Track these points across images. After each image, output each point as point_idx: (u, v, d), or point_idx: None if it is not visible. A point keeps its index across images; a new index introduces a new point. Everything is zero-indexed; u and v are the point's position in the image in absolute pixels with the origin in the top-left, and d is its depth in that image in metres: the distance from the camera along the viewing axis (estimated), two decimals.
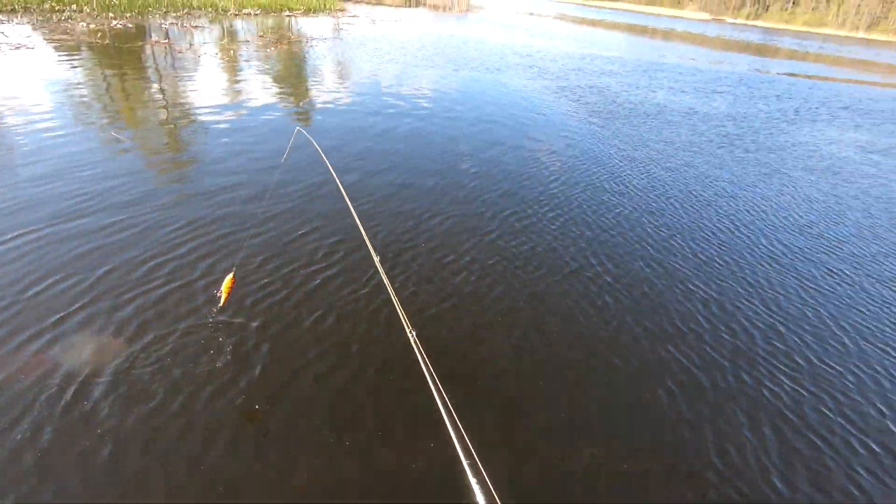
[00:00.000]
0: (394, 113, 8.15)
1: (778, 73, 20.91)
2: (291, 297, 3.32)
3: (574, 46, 22.43)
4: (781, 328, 3.72)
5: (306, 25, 18.75)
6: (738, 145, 8.81)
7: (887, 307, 4.21)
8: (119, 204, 4.19)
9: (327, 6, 24.25)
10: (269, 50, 12.57)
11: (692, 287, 4.11)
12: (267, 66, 10.66)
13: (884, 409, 3.05)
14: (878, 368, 3.42)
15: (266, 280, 3.46)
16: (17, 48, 9.24)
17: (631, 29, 43.06)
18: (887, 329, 3.89)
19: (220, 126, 6.54)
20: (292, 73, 10.50)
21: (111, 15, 14.58)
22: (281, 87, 8.97)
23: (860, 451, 2.73)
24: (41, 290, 3.07)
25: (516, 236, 4.57)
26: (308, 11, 22.64)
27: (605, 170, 6.68)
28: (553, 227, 4.86)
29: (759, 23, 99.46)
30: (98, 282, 3.21)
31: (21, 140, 5.27)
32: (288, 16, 21.01)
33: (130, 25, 13.45)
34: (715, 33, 51.12)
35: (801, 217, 5.98)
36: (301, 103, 8.18)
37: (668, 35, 40.64)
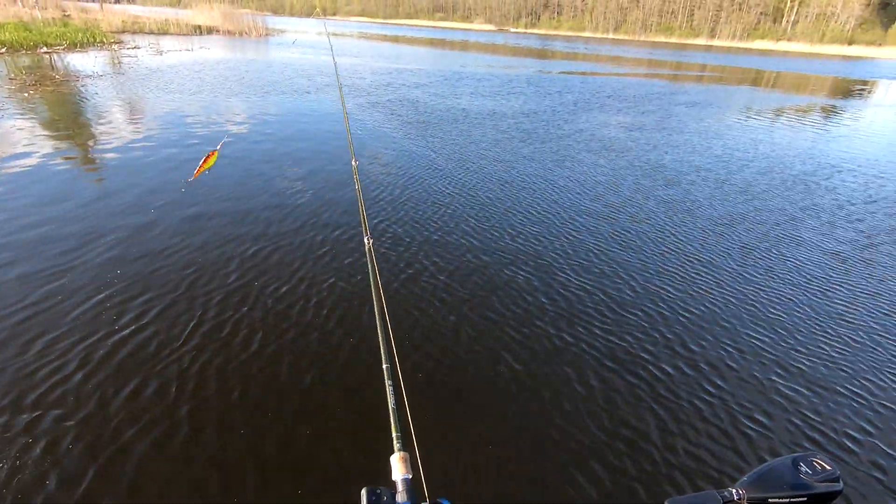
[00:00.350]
0: (197, 145, 7.52)
1: (558, 73, 24.30)
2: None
3: (381, 63, 23.21)
4: (589, 287, 4.35)
5: (75, 62, 16.23)
6: (535, 137, 10.05)
7: (661, 248, 5.20)
8: None
9: (97, 39, 21.32)
10: (27, 94, 10.60)
11: (519, 266, 4.58)
12: (29, 112, 8.98)
13: (669, 336, 3.76)
14: (661, 303, 4.20)
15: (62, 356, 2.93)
16: None
17: (431, 43, 46.06)
18: (669, 267, 4.80)
19: None
20: (67, 117, 9.01)
21: None
22: (54, 133, 7.64)
23: (661, 377, 3.32)
24: None
25: (350, 252, 4.59)
26: (73, 47, 19.63)
27: (429, 173, 7.08)
28: (386, 235, 4.99)
29: (534, 31, 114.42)
30: None
31: None
32: (46, 52, 17.94)
33: None
34: (502, 42, 57.37)
35: (591, 189, 7.05)
36: (89, 149, 7.08)
37: (464, 46, 44.39)
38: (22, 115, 8.76)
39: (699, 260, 5.07)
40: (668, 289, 4.44)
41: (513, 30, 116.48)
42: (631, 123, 12.40)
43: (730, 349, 3.64)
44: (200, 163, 2.40)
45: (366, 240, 1.74)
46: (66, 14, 27.51)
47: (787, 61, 51.47)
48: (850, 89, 25.95)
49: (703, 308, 4.16)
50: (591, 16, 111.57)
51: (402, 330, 3.54)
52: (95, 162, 6.75)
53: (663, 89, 20.77)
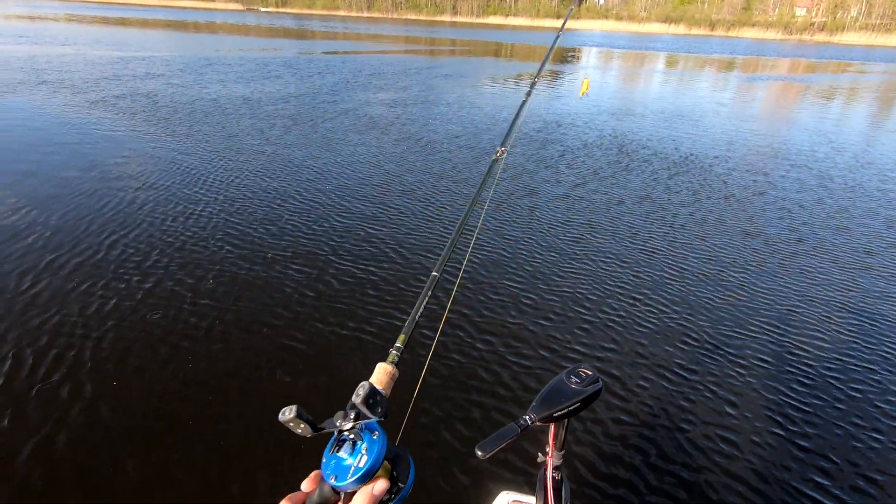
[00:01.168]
0: None
1: (322, 53, 23.76)
2: None
3: (102, 51, 19.41)
4: (358, 270, 4.45)
5: None
6: (303, 122, 9.71)
7: (417, 215, 5.60)
8: None
9: None
10: None
11: (288, 264, 4.41)
12: None
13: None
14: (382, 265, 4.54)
15: None
16: None
17: (169, 25, 40.31)
18: (425, 235, 5.19)
19: None
20: None
21: None
22: None
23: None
24: None
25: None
26: None
27: (176, 177, 6.25)
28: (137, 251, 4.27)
29: (287, 10, 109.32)
30: None
31: None
32: None
33: None
34: (254, 22, 53.42)
35: (363, 171, 7.16)
36: None
37: (211, 28, 40.03)
38: None
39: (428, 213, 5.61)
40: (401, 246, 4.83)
41: (262, 9, 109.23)
42: (393, 100, 12.92)
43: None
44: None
45: None
46: None
47: (516, 34, 59.72)
48: (564, 56, 31.45)
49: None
50: None
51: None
52: None
53: (421, 64, 22.11)
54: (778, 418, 2.93)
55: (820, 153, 9.44)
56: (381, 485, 0.60)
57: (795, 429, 2.86)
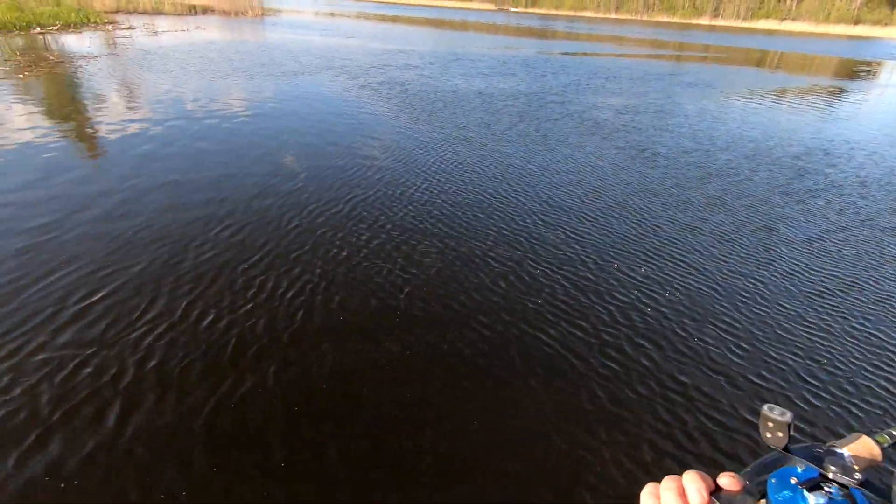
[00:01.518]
0: (195, 128, 7.57)
1: (559, 54, 24.07)
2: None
3: (376, 44, 23.01)
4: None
5: (69, 43, 16.16)
6: (527, 120, 10.07)
7: (629, 232, 5.30)
8: None
9: (91, 20, 21.14)
10: (23, 75, 10.61)
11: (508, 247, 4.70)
12: (26, 94, 9.00)
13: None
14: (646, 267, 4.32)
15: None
16: None
17: (430, 23, 45.49)
18: (645, 247, 4.92)
19: None
20: (62, 98, 9.05)
21: None
22: (50, 115, 7.70)
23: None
24: None
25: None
26: (67, 27, 19.49)
27: (412, 157, 7.16)
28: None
29: (534, 10, 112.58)
30: None
31: None
32: (40, 33, 17.84)
33: None
34: (502, 21, 56.58)
35: (572, 176, 7.12)
36: (84, 130, 7.14)
37: (463, 26, 43.86)
38: (18, 97, 8.78)
39: (675, 240, 5.18)
40: (631, 270, 4.56)
41: (513, 9, 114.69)
42: (626, 106, 12.37)
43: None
44: None
45: None
46: None
47: (791, 41, 50.69)
48: (855, 70, 25.68)
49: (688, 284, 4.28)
50: None
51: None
52: (89, 142, 6.83)
53: (664, 70, 20.62)
54: None
55: None
56: None
57: None
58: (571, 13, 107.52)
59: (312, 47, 19.73)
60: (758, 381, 3.23)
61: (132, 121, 7.93)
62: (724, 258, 4.88)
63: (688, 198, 6.45)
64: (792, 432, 0.57)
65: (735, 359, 3.43)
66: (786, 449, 0.58)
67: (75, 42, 16.44)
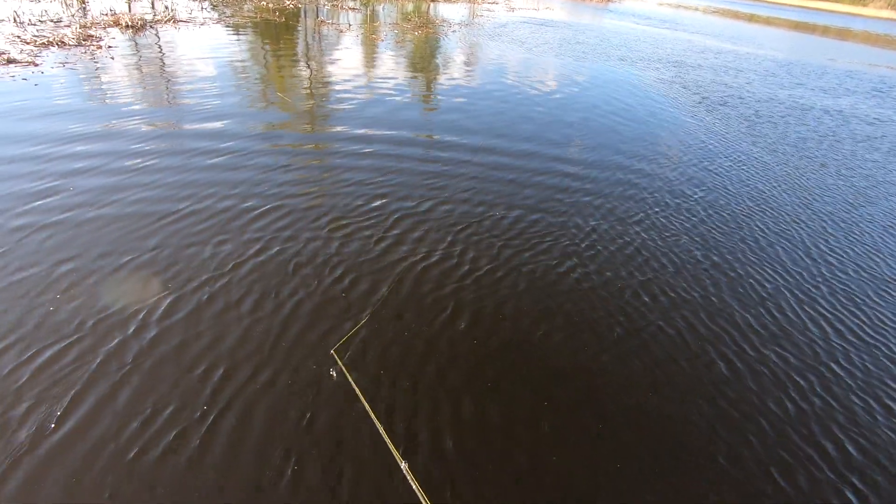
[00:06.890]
0: (523, 98, 8.39)
1: None
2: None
3: (716, 42, 20.72)
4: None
5: (445, 11, 19.54)
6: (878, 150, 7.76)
7: None
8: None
9: None
10: (416, 33, 13.48)
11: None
12: (403, 49, 11.41)
13: None
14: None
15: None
16: (203, 24, 10.98)
17: (794, 26, 38.42)
18: None
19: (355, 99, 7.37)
20: (425, 56, 11.17)
21: None
22: (411, 67, 9.66)
23: None
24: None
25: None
26: None
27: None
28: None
29: None
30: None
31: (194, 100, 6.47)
32: (425, 1, 22.04)
33: (298, 5, 15.22)
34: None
35: None
36: (431, 85, 8.78)
37: (841, 34, 35.65)
38: (397, 51, 11.15)
39: None
40: None
41: None
42: None
43: None
44: None
45: None
46: None
47: None
48: None
49: None
50: None
51: None
52: (428, 89, 8.29)
53: None
54: None
55: None
56: None
57: None
58: None
59: (644, 35, 19.06)
60: None
61: (469, 83, 9.22)
62: None
63: None
64: None
65: None
66: None
67: (449, 11, 19.74)
